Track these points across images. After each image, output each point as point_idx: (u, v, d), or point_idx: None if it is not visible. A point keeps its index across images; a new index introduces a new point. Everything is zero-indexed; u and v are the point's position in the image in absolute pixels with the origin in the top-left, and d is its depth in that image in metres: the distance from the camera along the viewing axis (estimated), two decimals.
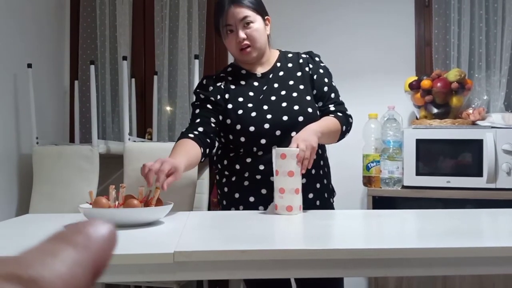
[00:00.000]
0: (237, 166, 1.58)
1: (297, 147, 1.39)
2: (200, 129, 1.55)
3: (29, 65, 2.60)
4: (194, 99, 1.67)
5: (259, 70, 1.65)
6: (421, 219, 1.36)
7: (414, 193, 2.46)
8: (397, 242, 0.98)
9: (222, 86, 1.62)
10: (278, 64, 1.66)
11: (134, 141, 2.60)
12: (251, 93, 1.60)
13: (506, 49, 2.75)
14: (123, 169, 2.41)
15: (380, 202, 2.49)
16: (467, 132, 2.48)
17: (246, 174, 1.56)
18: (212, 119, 1.58)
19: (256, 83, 1.63)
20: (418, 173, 2.47)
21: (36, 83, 2.67)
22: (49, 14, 3.03)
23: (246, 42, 1.58)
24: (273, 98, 1.58)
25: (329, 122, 1.55)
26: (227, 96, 1.60)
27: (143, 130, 3.08)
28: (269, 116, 1.55)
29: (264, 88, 1.61)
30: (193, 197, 2.29)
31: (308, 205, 1.48)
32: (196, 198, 2.37)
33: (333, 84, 1.67)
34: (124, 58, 2.59)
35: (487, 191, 2.39)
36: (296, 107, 1.57)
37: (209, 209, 2.61)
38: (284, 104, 1.57)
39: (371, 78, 2.95)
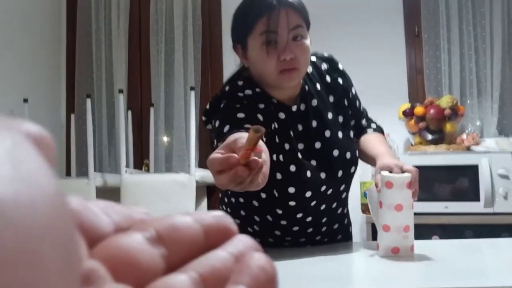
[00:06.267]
0: (255, 203, 1.22)
1: (401, 172, 1.08)
2: (248, 125, 1.00)
3: (25, 100, 2.62)
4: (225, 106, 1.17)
5: (290, 100, 1.21)
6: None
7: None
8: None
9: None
10: (307, 88, 1.23)
11: (131, 173, 2.60)
12: (291, 132, 1.19)
13: (496, 76, 2.80)
14: (120, 202, 2.40)
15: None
16: (463, 158, 2.50)
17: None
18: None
19: (290, 119, 1.20)
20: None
21: (33, 117, 2.68)
22: (45, 49, 3.07)
23: (293, 63, 1.11)
24: (318, 145, 1.20)
25: (385, 142, 1.30)
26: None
27: (140, 161, 3.07)
28: (323, 176, 1.19)
29: (301, 128, 1.21)
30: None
31: (332, 237, 1.29)
32: None
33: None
34: (120, 91, 2.62)
35: (486, 216, 2.39)
36: (348, 155, 1.22)
37: None
38: (336, 153, 1.21)
39: (366, 107, 2.98)
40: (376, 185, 1.09)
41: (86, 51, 3.22)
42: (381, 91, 2.96)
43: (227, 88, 1.21)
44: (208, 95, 3.08)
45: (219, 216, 0.20)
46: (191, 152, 2.46)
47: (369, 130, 1.34)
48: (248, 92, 1.18)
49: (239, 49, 1.20)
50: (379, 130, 1.36)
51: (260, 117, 1.13)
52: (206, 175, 2.44)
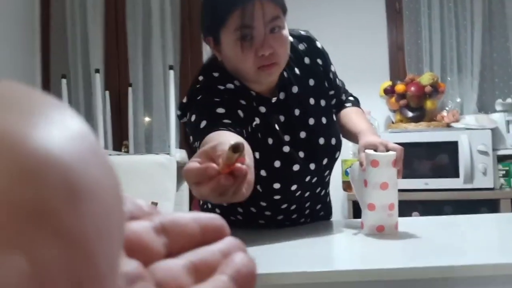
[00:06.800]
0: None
1: (387, 151, 1.05)
2: (227, 121, 0.99)
3: None
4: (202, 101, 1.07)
5: (269, 90, 1.14)
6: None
7: None
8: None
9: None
10: (285, 74, 1.15)
11: (110, 154, 2.55)
12: (276, 126, 1.13)
13: (476, 52, 2.82)
14: None
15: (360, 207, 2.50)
16: (442, 135, 2.52)
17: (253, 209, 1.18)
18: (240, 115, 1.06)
19: (271, 112, 1.13)
20: None
21: None
22: (18, 28, 2.96)
23: (271, 58, 1.04)
24: (302, 134, 1.15)
25: (364, 117, 1.26)
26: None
27: (120, 143, 3.02)
28: (312, 167, 1.15)
29: (283, 119, 1.14)
30: (171, 211, 2.26)
31: (315, 217, 1.28)
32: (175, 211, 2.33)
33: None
34: (97, 70, 2.55)
35: (465, 191, 2.43)
36: (333, 141, 1.18)
37: None
38: (322, 141, 1.16)
39: (346, 84, 2.97)
40: (361, 164, 1.08)
41: (60, 30, 3.12)
42: (362, 69, 2.95)
43: (201, 78, 1.12)
44: (188, 74, 3.03)
45: (215, 218, 0.23)
46: (171, 133, 2.42)
47: (347, 104, 1.29)
48: (230, 86, 1.09)
49: (211, 41, 1.09)
50: (356, 102, 1.32)
51: (240, 113, 1.05)
52: (187, 156, 2.41)
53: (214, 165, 0.62)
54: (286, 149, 1.11)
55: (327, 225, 1.28)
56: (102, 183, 0.16)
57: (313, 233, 1.14)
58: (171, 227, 0.22)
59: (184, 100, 1.11)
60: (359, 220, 1.14)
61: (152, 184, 2.31)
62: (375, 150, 1.07)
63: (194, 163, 0.64)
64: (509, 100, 2.63)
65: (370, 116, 2.68)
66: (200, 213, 0.23)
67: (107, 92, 2.97)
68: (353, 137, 1.20)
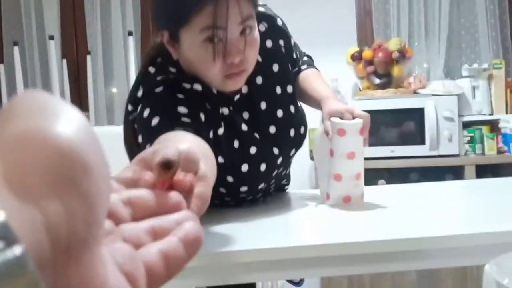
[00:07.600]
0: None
1: (353, 119, 1.00)
2: (186, 120, 0.88)
3: None
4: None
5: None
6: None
7: None
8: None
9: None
10: None
11: None
12: (243, 126, 1.02)
13: (444, 17, 2.79)
14: None
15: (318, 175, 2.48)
16: (409, 101, 2.51)
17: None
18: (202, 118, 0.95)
19: (234, 112, 1.01)
20: None
21: None
22: None
23: (241, 65, 0.91)
24: (272, 129, 1.05)
25: (323, 80, 1.17)
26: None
27: None
28: (279, 161, 1.07)
29: (247, 116, 1.03)
30: None
31: (279, 189, 1.24)
32: None
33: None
34: (51, 37, 2.41)
35: (431, 158, 2.44)
36: (302, 130, 1.10)
37: None
38: (292, 133, 1.08)
39: (312, 51, 2.88)
40: (327, 133, 1.03)
41: None
42: (329, 35, 2.88)
43: (153, 70, 0.96)
44: (149, 40, 2.91)
45: (174, 195, 0.32)
46: None
47: (303, 66, 1.19)
48: (197, 87, 0.95)
49: (166, 36, 0.93)
50: (311, 61, 1.23)
51: (202, 117, 0.92)
52: None
53: (148, 176, 0.44)
54: (253, 150, 1.01)
55: (291, 197, 1.24)
56: (99, 159, 0.23)
57: (277, 207, 1.11)
58: (135, 200, 0.30)
59: (139, 94, 0.94)
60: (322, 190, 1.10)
61: (115, 156, 2.22)
62: (341, 118, 1.02)
63: (126, 172, 0.47)
64: (475, 66, 2.63)
65: (337, 83, 2.64)
66: (162, 191, 0.31)
67: (64, 61, 2.82)
68: (315, 103, 1.12)
